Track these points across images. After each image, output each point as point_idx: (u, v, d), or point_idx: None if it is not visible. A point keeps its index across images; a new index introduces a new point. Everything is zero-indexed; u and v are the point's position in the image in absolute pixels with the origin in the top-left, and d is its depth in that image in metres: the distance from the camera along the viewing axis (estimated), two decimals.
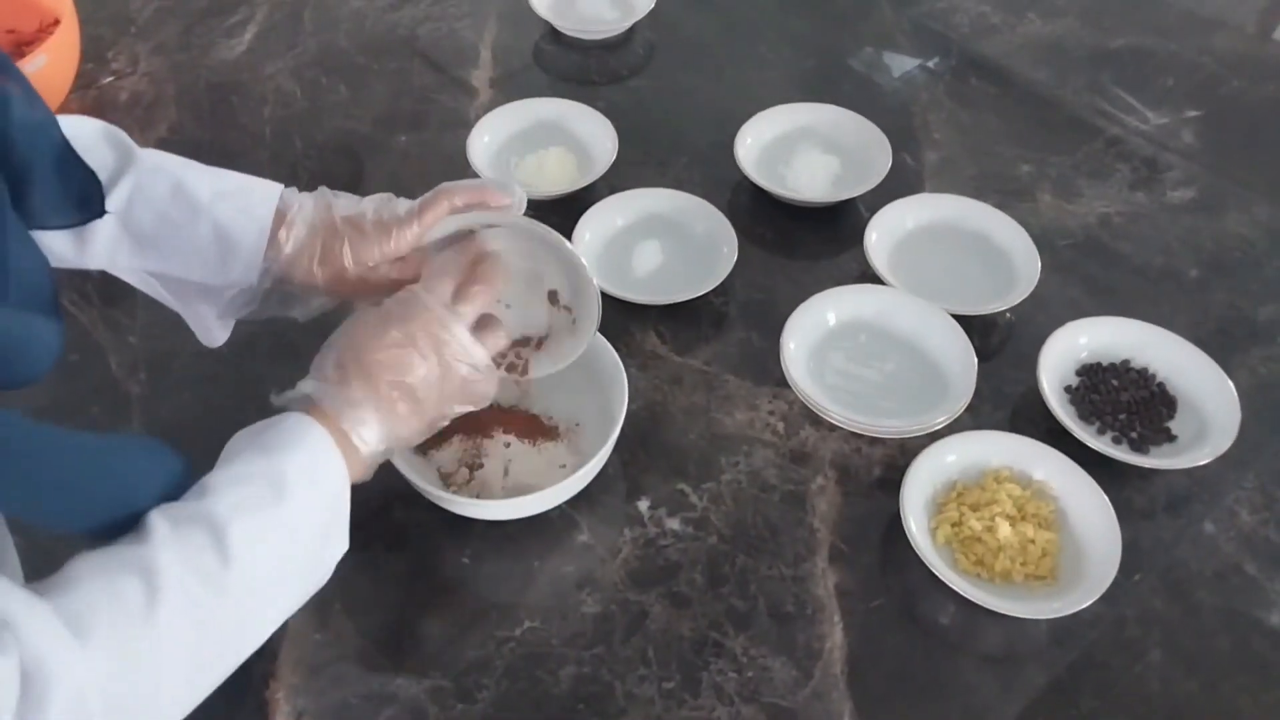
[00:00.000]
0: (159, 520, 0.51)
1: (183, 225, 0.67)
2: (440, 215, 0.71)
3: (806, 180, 1.09)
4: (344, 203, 0.72)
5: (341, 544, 0.61)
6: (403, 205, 0.72)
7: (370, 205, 0.72)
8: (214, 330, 0.74)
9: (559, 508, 0.81)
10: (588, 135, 1.15)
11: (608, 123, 1.13)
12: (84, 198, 0.62)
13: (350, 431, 0.62)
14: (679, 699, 0.72)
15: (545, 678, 0.73)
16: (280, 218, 0.69)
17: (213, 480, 0.55)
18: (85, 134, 0.66)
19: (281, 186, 0.71)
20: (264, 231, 0.69)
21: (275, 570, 0.55)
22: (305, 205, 0.71)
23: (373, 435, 0.63)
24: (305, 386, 0.63)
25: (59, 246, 0.65)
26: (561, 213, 1.04)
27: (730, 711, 0.71)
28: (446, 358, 0.65)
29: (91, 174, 0.61)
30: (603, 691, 0.72)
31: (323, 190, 0.73)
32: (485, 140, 1.13)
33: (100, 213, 0.63)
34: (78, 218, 0.63)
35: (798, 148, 1.13)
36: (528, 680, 0.73)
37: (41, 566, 0.51)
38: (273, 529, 0.55)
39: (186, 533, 0.51)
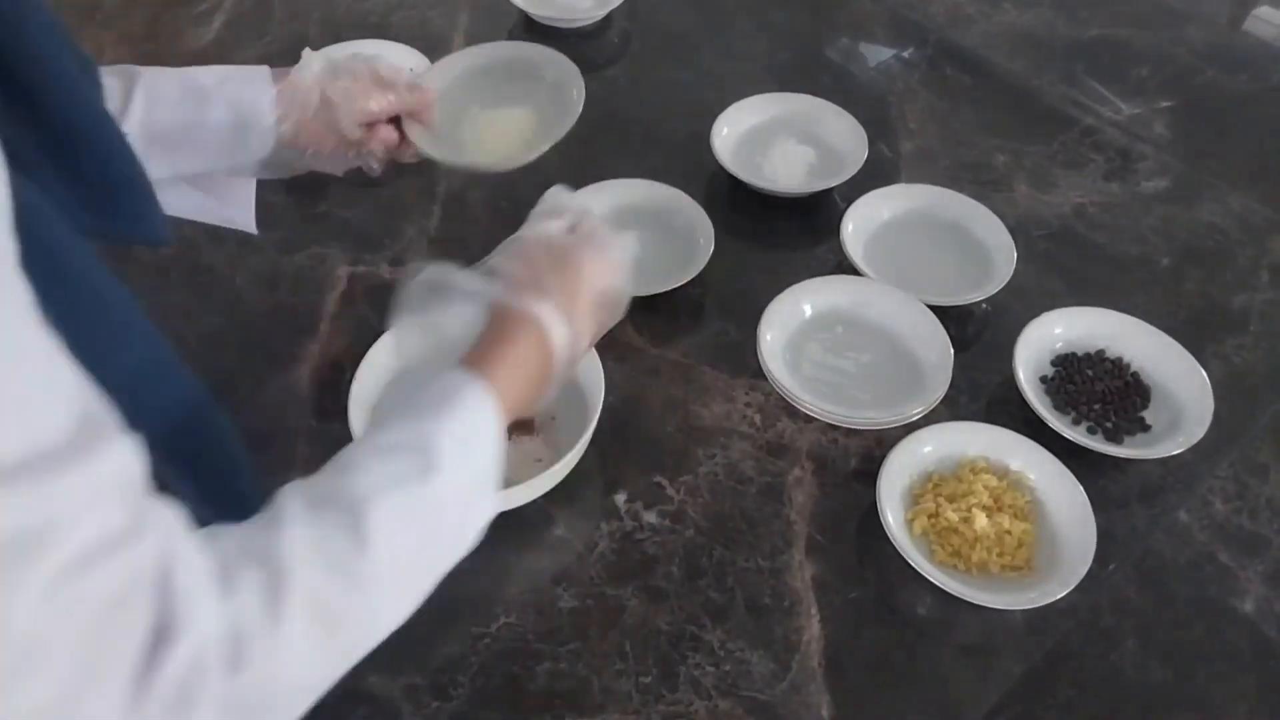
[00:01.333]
0: (293, 503, 0.47)
1: (198, 114, 0.70)
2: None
3: (783, 171, 1.09)
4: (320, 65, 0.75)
5: (492, 507, 0.55)
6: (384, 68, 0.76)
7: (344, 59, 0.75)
8: (249, 212, 0.78)
9: (535, 502, 0.80)
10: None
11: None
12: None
13: (550, 328, 0.59)
14: (656, 693, 0.71)
15: (521, 674, 0.72)
16: (282, 74, 0.73)
17: (357, 452, 0.51)
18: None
19: (265, 67, 0.75)
20: (273, 99, 0.71)
21: (416, 552, 0.51)
22: (300, 72, 0.74)
23: (562, 334, 0.60)
24: (491, 286, 0.60)
25: None
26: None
27: (708, 705, 0.71)
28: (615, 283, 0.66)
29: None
30: (580, 687, 0.72)
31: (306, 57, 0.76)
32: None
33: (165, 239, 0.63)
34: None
35: (774, 138, 1.13)
36: (504, 677, 0.72)
37: None
38: (418, 509, 0.50)
39: (321, 517, 0.47)
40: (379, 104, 0.74)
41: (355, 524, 0.47)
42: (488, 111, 0.88)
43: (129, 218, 0.57)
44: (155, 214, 0.58)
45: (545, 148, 0.80)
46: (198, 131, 0.70)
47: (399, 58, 1.21)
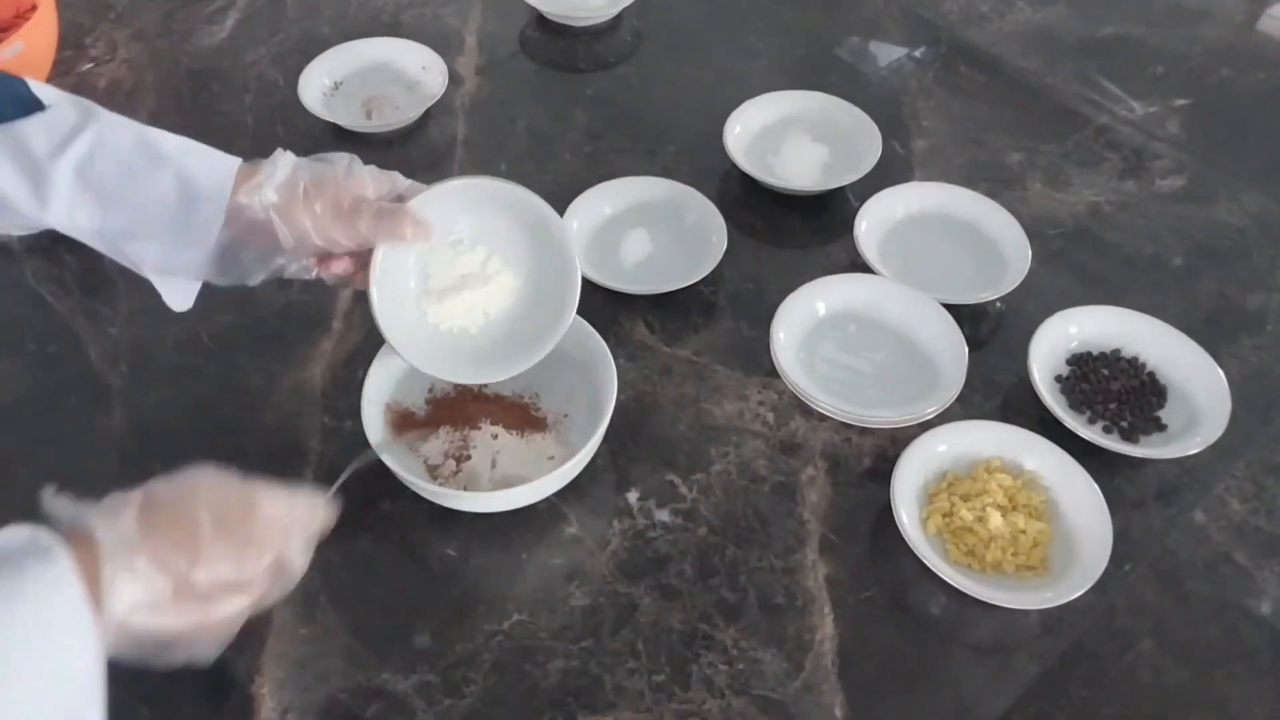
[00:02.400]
0: None
1: (144, 175, 0.65)
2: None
3: (796, 169, 1.09)
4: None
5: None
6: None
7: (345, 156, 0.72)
8: (177, 293, 0.71)
9: (547, 500, 0.80)
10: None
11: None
12: (13, 96, 0.61)
13: (108, 586, 0.49)
14: (669, 692, 0.71)
15: (534, 671, 0.72)
16: (249, 172, 0.68)
17: None
18: (48, 94, 0.65)
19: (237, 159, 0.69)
20: (229, 179, 0.67)
21: None
22: (280, 156, 0.70)
23: (127, 600, 0.50)
24: (91, 517, 0.51)
25: (21, 203, 0.63)
26: None
27: (721, 704, 0.71)
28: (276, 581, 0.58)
29: (11, 76, 0.62)
30: (592, 685, 0.72)
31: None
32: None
33: (38, 106, 0.62)
34: (11, 113, 0.62)
35: (787, 136, 1.12)
36: (516, 674, 0.72)
37: None
38: None
39: None
40: (345, 237, 0.68)
41: None
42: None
43: None
44: None
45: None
46: (139, 190, 0.65)
47: (411, 56, 1.21)
